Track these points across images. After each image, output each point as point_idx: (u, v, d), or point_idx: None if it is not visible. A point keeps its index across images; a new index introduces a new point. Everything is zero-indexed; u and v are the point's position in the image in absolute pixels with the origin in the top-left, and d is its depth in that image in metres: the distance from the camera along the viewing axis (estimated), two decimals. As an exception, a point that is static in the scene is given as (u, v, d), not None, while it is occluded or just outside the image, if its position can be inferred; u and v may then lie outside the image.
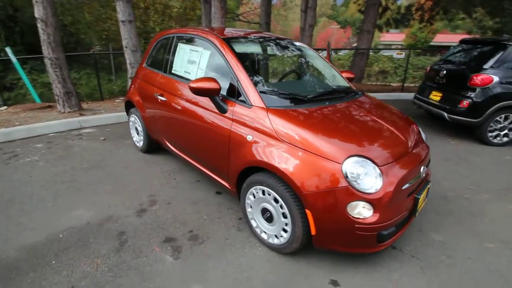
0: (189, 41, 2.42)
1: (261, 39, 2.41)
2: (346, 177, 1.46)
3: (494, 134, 3.99)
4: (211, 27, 3.41)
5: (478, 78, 3.87)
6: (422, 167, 1.77)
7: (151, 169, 3.01)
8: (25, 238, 1.94)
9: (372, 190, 1.47)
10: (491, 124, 3.95)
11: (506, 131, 3.97)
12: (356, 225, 1.48)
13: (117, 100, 6.16)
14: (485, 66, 3.90)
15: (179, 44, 2.51)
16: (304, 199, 1.52)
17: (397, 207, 1.57)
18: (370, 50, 8.50)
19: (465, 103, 3.96)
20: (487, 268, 1.80)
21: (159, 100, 2.62)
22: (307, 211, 1.54)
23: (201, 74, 2.21)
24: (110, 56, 9.02)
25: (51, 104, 5.40)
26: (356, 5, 9.60)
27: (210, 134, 2.06)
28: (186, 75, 2.38)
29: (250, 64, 1.99)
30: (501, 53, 3.86)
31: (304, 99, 1.91)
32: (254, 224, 1.95)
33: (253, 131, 1.76)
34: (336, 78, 2.46)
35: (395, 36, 34.67)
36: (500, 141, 3.99)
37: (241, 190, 1.98)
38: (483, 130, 3.97)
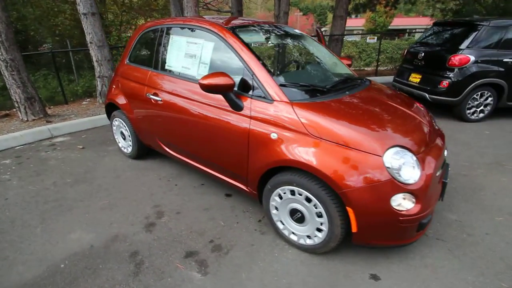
0: (185, 32, 2.18)
1: (264, 28, 2.24)
2: (388, 169, 1.40)
3: (471, 111, 4.25)
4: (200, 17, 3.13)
5: (456, 59, 4.05)
6: (445, 151, 1.78)
7: (147, 176, 2.75)
8: (19, 275, 1.65)
9: (412, 181, 1.43)
10: (469, 102, 4.20)
11: (482, 107, 4.24)
12: (400, 218, 1.44)
13: (84, 103, 5.60)
14: (461, 47, 4.10)
15: (171, 36, 2.25)
16: (345, 197, 1.44)
17: (433, 194, 1.56)
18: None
19: (445, 83, 4.15)
20: (504, 241, 1.89)
21: (153, 101, 2.35)
22: (348, 209, 1.46)
23: (204, 69, 2.00)
24: (69, 54, 8.15)
25: (8, 112, 4.74)
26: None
27: (223, 134, 1.89)
28: (184, 71, 2.14)
29: (262, 55, 1.83)
30: (474, 33, 4.06)
31: (324, 90, 1.80)
32: (281, 226, 1.85)
33: (278, 128, 1.63)
34: (340, 66, 2.39)
35: (355, 22, 35.86)
36: (477, 117, 4.27)
37: (263, 192, 1.86)
38: (462, 108, 4.20)
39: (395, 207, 1.42)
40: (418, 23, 30.17)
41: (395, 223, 1.45)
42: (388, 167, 1.40)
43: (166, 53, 2.29)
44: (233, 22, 2.07)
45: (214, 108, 1.91)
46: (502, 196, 2.40)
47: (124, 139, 3.07)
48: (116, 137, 3.20)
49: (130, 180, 2.68)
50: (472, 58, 3.98)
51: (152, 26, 2.49)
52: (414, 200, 1.44)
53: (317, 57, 2.30)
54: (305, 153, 1.52)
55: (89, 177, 2.75)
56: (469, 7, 8.27)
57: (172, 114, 2.24)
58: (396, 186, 1.40)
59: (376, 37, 8.98)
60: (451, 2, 8.72)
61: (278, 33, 2.29)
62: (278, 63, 1.99)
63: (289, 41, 2.29)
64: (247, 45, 1.81)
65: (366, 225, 1.48)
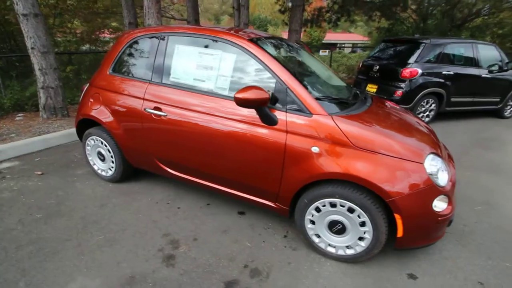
0: (195, 42, 2.01)
1: (276, 41, 2.22)
2: (430, 175, 1.52)
3: (420, 116, 4.94)
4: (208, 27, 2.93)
5: (407, 71, 4.69)
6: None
7: (140, 201, 2.42)
8: None
9: (444, 183, 1.58)
10: (418, 108, 4.88)
11: (427, 112, 4.98)
12: (439, 218, 1.57)
13: (17, 118, 4.70)
14: (410, 61, 4.76)
15: (177, 46, 2.05)
16: (394, 204, 1.51)
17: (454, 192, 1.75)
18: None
19: (399, 92, 4.75)
20: (491, 227, 2.23)
21: (154, 116, 2.10)
22: (396, 215, 1.53)
23: (224, 81, 1.88)
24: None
25: None
26: (277, 5, 10.12)
27: (251, 149, 1.79)
28: (198, 84, 1.97)
29: (291, 68, 1.81)
30: (419, 50, 4.77)
31: (348, 102, 1.87)
32: (316, 240, 1.82)
33: (319, 141, 1.62)
34: (338, 79, 2.52)
35: (294, 35, 38.50)
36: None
37: (295, 207, 1.82)
38: (413, 113, 4.87)
39: (435, 209, 1.55)
40: (344, 38, 34.13)
41: (434, 223, 1.58)
42: (429, 173, 1.53)
43: (171, 64, 2.07)
44: (248, 34, 2.00)
45: (240, 122, 1.81)
46: (471, 188, 2.83)
47: (103, 160, 2.65)
48: (90, 158, 2.74)
49: (120, 208, 2.31)
50: (420, 71, 4.66)
51: (145, 33, 2.23)
52: (446, 200, 1.60)
53: (324, 70, 2.38)
54: (352, 165, 1.55)
55: (65, 209, 2.28)
56: (398, 26, 9.79)
57: (179, 130, 2.03)
58: (436, 189, 1.53)
59: (327, 51, 9.81)
60: (384, 22, 10.19)
61: (286, 46, 2.30)
62: (301, 76, 1.99)
63: (297, 54, 2.32)
64: (276, 59, 1.76)
65: (411, 229, 1.57)
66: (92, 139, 2.59)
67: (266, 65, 1.75)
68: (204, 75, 1.95)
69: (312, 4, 10.22)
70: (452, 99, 4.95)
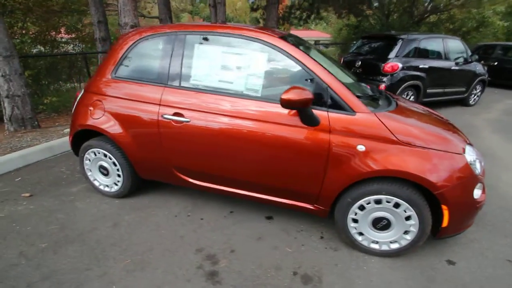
0: (218, 41, 1.87)
1: (298, 38, 2.15)
2: (470, 164, 1.59)
3: (402, 107, 5.24)
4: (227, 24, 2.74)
5: (388, 66, 4.93)
6: None
7: (156, 216, 2.22)
8: None
9: (480, 171, 1.67)
10: (400, 100, 5.17)
11: (408, 104, 5.30)
12: (477, 205, 1.65)
13: None
14: (390, 56, 5.02)
15: (196, 46, 1.89)
16: (442, 196, 1.55)
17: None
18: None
19: (383, 86, 4.98)
20: (498, 207, 2.42)
21: (173, 122, 1.93)
22: (444, 207, 1.58)
23: (256, 82, 1.78)
24: None
25: None
26: (240, 2, 10.02)
27: (291, 151, 1.72)
28: (225, 86, 1.85)
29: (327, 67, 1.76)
30: (397, 45, 5.04)
31: (379, 98, 1.89)
32: (359, 238, 1.82)
33: (364, 139, 1.61)
34: (352, 76, 2.54)
35: (258, 32, 38.73)
36: (406, 112, 5.31)
37: (336, 207, 1.80)
38: (396, 105, 5.15)
39: (475, 197, 1.63)
40: (306, 35, 35.24)
41: (473, 211, 1.67)
42: (469, 163, 1.60)
43: (191, 65, 1.91)
44: (275, 31, 1.92)
45: (277, 124, 1.73)
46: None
47: (107, 174, 2.39)
48: (89, 174, 2.45)
49: (137, 226, 2.10)
50: (400, 65, 4.93)
51: (155, 33, 2.03)
52: (481, 187, 1.69)
53: (341, 67, 2.37)
54: (401, 161, 1.56)
55: (72, 234, 2.01)
56: (365, 23, 10.32)
57: (205, 136, 1.89)
58: (475, 178, 1.61)
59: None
60: (353, 19, 10.65)
61: (308, 44, 2.25)
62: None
63: (317, 52, 2.28)
64: (313, 58, 1.71)
65: (455, 218, 1.63)
66: (93, 152, 2.32)
67: (303, 64, 1.69)
68: (232, 76, 1.83)
69: (284, 2, 10.31)
70: (428, 90, 5.32)
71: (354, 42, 6.07)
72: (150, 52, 2.06)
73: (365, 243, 1.83)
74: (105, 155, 2.29)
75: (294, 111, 1.68)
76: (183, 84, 1.94)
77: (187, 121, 1.90)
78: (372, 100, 1.85)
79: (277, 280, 1.65)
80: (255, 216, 2.24)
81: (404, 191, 1.61)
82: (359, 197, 1.70)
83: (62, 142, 3.48)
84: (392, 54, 5.01)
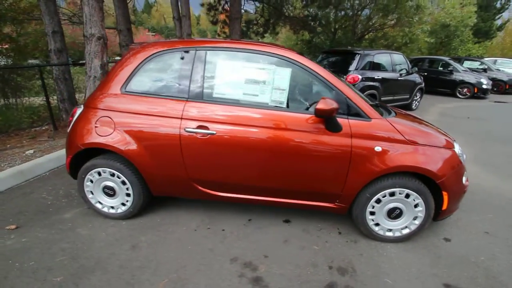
0: (240, 57, 1.96)
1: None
2: (459, 156, 1.97)
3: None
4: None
5: (350, 77, 5.54)
6: None
7: (175, 233, 2.16)
8: None
9: (464, 162, 2.07)
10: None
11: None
12: (464, 190, 2.04)
13: None
14: (351, 69, 5.65)
15: (219, 60, 1.96)
16: (443, 184, 1.88)
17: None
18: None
19: (347, 95, 5.57)
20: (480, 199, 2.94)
21: (198, 136, 1.95)
22: (444, 193, 1.92)
23: (280, 95, 1.92)
24: None
25: None
26: (209, 16, 10.15)
27: (317, 156, 1.90)
28: (250, 98, 1.94)
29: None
30: (356, 59, 5.71)
31: (380, 105, 2.20)
32: (376, 228, 2.06)
33: (379, 141, 1.87)
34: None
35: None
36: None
37: (354, 203, 2.02)
38: (359, 112, 5.78)
39: (464, 183, 2.01)
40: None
41: (462, 194, 2.05)
42: (459, 155, 1.98)
43: (214, 79, 1.97)
44: (290, 49, 2.09)
45: (303, 132, 1.89)
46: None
47: (113, 195, 2.24)
48: (90, 197, 2.25)
49: (159, 245, 2.02)
50: (360, 77, 5.58)
51: (172, 48, 2.03)
52: (466, 175, 2.09)
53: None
54: (411, 157, 1.86)
55: (88, 263, 1.84)
56: (317, 39, 11.31)
57: (232, 147, 1.95)
58: (463, 167, 2.00)
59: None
60: (307, 34, 11.58)
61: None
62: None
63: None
64: (332, 72, 1.93)
65: (451, 202, 1.98)
66: (97, 172, 2.16)
67: (323, 77, 1.90)
68: (257, 89, 1.94)
69: (243, 17, 10.69)
70: (381, 98, 6.10)
71: (317, 55, 6.64)
72: (168, 67, 2.05)
73: (381, 232, 2.07)
74: (112, 175, 2.16)
75: (317, 119, 1.86)
76: (206, 97, 1.98)
77: (213, 133, 1.93)
78: (377, 108, 2.14)
79: (318, 276, 1.77)
80: (274, 221, 2.33)
81: (413, 182, 1.90)
82: (376, 191, 1.95)
83: (32, 165, 3.09)
84: (352, 67, 5.65)
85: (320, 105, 1.69)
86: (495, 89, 9.61)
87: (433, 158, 1.89)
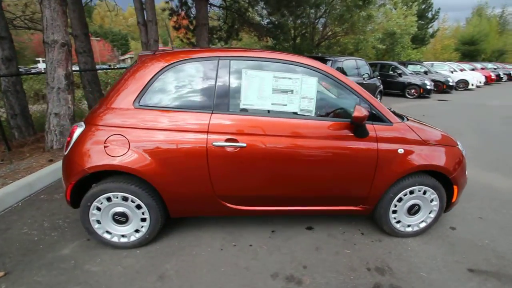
0: (268, 67, 1.92)
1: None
2: (462, 151, 2.20)
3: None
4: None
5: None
6: None
7: (200, 255, 2.00)
8: None
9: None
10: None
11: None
12: (466, 182, 2.28)
13: None
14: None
15: (244, 71, 1.88)
16: (454, 179, 2.08)
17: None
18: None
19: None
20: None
21: (227, 149, 1.85)
22: (455, 186, 2.12)
23: (308, 104, 1.92)
24: None
25: None
26: (172, 22, 9.75)
27: (345, 163, 1.95)
28: (279, 108, 1.91)
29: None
30: (328, 64, 6.03)
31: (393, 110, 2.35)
32: (397, 225, 2.19)
33: (401, 144, 1.99)
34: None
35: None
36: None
37: (378, 204, 2.12)
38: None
39: (466, 176, 2.25)
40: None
41: (465, 186, 2.28)
42: (462, 151, 2.21)
43: (240, 89, 1.88)
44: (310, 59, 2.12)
45: (332, 140, 1.92)
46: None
47: (125, 222, 1.99)
48: (96, 226, 1.97)
49: (188, 271, 1.85)
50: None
51: (192, 57, 1.89)
52: (467, 169, 2.34)
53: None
54: (429, 157, 2.02)
55: (113, 303, 1.60)
56: (280, 46, 11.69)
57: (264, 159, 1.89)
58: (465, 162, 2.23)
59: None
60: (270, 41, 11.87)
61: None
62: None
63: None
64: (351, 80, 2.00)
65: (459, 194, 2.19)
66: (106, 198, 1.91)
67: (349, 86, 1.97)
68: (284, 99, 1.92)
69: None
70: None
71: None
72: (188, 77, 1.91)
73: (402, 228, 2.20)
74: (125, 199, 1.93)
75: (344, 126, 1.92)
76: (232, 109, 1.89)
77: (243, 146, 1.86)
78: (394, 112, 2.28)
79: (361, 279, 1.81)
80: (297, 230, 2.32)
81: (430, 179, 2.07)
82: (399, 191, 2.07)
83: (1, 196, 2.60)
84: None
85: (357, 113, 1.74)
86: (435, 89, 11.01)
87: (446, 156, 2.08)
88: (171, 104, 1.89)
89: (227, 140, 1.85)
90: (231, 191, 1.98)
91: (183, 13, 9.70)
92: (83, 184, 1.98)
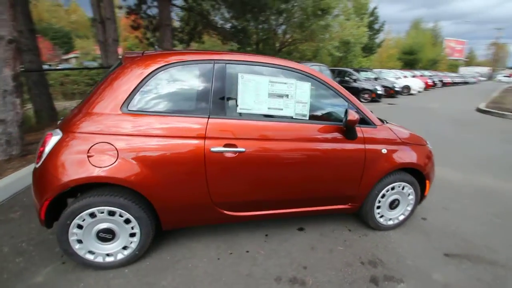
0: (263, 71, 1.91)
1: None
2: (431, 150, 2.47)
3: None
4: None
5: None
6: None
7: (198, 268, 1.92)
8: None
9: (431, 154, 2.60)
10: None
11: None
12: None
13: None
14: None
15: (240, 75, 1.85)
16: (427, 175, 2.33)
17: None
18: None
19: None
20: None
21: (226, 155, 1.81)
22: (427, 181, 2.36)
23: (303, 108, 1.97)
24: None
25: None
26: (129, 21, 9.13)
27: (339, 162, 2.05)
28: (275, 113, 1.92)
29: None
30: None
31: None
32: (381, 220, 2.36)
33: (384, 144, 2.15)
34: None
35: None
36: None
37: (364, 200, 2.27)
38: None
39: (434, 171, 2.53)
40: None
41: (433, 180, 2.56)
42: (430, 149, 2.47)
43: (236, 94, 1.85)
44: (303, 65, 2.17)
45: (326, 142, 2.01)
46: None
47: (110, 239, 1.81)
48: (77, 247, 1.75)
49: (188, 285, 1.76)
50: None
51: (186, 60, 1.79)
52: (433, 165, 2.62)
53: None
54: (408, 156, 2.22)
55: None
56: (243, 50, 11.76)
57: (262, 164, 1.89)
58: (433, 158, 2.51)
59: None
60: (234, 45, 11.86)
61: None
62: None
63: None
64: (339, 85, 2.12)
65: (430, 187, 2.45)
66: (90, 214, 1.71)
67: (338, 91, 2.07)
68: (280, 103, 1.94)
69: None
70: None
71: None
72: (182, 80, 1.82)
73: (384, 222, 2.38)
74: (112, 213, 1.75)
75: (335, 129, 2.02)
76: (229, 113, 1.86)
77: (242, 151, 1.83)
78: None
79: (358, 273, 1.90)
80: (291, 232, 2.35)
81: (408, 176, 2.28)
82: (382, 188, 2.24)
83: None
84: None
85: (350, 117, 1.85)
86: (384, 94, 12.14)
87: (420, 154, 2.31)
88: (163, 109, 1.78)
89: (226, 146, 1.81)
90: (229, 198, 1.94)
91: (141, 12, 9.20)
92: (57, 201, 1.75)
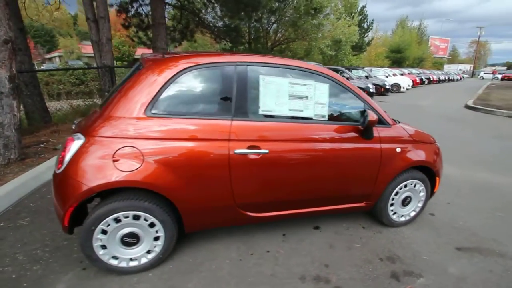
0: (283, 73, 1.92)
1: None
2: (438, 148, 2.55)
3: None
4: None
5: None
6: None
7: (221, 269, 1.92)
8: None
9: (437, 152, 2.69)
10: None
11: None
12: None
13: None
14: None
15: (262, 77, 1.86)
16: (437, 171, 2.41)
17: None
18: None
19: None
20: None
21: (250, 157, 1.82)
22: (437, 178, 2.45)
23: (322, 109, 2.00)
24: None
25: None
26: (119, 19, 8.91)
27: (358, 161, 2.10)
28: (296, 114, 1.94)
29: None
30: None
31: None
32: (394, 216, 2.43)
33: (397, 143, 2.21)
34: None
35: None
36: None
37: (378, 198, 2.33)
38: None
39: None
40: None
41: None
42: (438, 146, 2.56)
43: (258, 96, 1.86)
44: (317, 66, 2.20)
45: (345, 142, 2.05)
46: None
47: (135, 244, 1.79)
48: (101, 253, 1.73)
49: (214, 287, 1.76)
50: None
51: (209, 63, 1.79)
52: (441, 161, 2.71)
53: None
54: (420, 154, 2.29)
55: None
56: (236, 48, 11.73)
57: (285, 165, 1.91)
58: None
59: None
60: (227, 44, 11.79)
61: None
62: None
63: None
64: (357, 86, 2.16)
65: (439, 183, 2.54)
66: (115, 218, 1.69)
67: (355, 92, 2.11)
68: (300, 104, 1.96)
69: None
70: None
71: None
72: (204, 83, 1.82)
73: (397, 219, 2.45)
74: (136, 218, 1.73)
75: (351, 129, 2.06)
76: (252, 116, 1.86)
77: (265, 152, 1.84)
78: None
79: (379, 270, 1.95)
80: (307, 231, 2.39)
81: (419, 174, 2.36)
82: (396, 185, 2.30)
83: None
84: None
85: (371, 117, 1.90)
86: (376, 91, 12.39)
87: (431, 152, 2.39)
88: (187, 112, 1.77)
89: (249, 147, 1.81)
90: (252, 199, 1.95)
91: (133, 10, 9.01)
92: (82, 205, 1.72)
